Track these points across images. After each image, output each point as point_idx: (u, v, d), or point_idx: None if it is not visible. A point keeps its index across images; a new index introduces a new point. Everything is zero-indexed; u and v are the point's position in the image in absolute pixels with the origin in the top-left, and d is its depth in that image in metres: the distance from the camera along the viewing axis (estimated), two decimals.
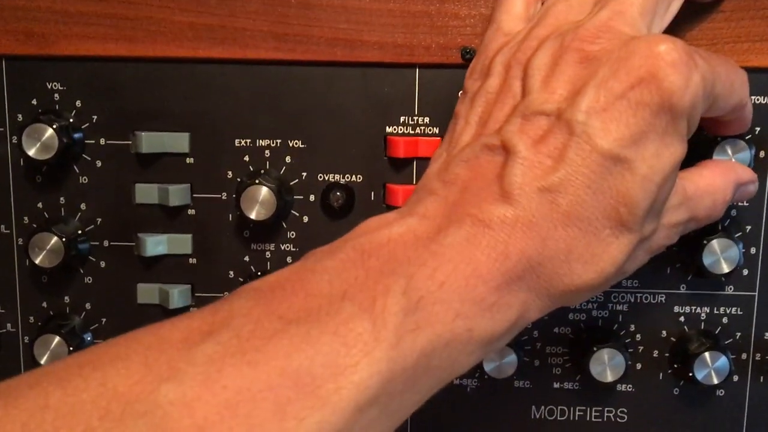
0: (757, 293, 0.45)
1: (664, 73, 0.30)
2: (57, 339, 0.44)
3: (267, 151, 0.44)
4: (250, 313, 0.28)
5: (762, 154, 0.43)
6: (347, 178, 0.44)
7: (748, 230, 0.44)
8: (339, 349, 0.27)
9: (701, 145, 0.41)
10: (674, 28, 0.40)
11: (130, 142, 0.44)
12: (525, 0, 0.38)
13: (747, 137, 0.42)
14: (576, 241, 0.31)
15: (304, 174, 0.44)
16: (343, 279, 0.30)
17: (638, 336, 0.45)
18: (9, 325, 0.46)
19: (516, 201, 0.31)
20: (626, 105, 0.30)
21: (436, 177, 0.34)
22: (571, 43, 0.33)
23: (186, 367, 0.26)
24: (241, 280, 0.45)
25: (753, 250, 0.44)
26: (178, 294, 0.45)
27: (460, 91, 0.38)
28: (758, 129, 0.43)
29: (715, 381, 0.43)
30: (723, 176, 0.37)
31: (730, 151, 0.41)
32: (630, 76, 0.31)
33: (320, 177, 0.45)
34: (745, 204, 0.44)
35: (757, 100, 0.42)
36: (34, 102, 0.44)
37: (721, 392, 0.46)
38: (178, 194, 0.44)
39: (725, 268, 0.42)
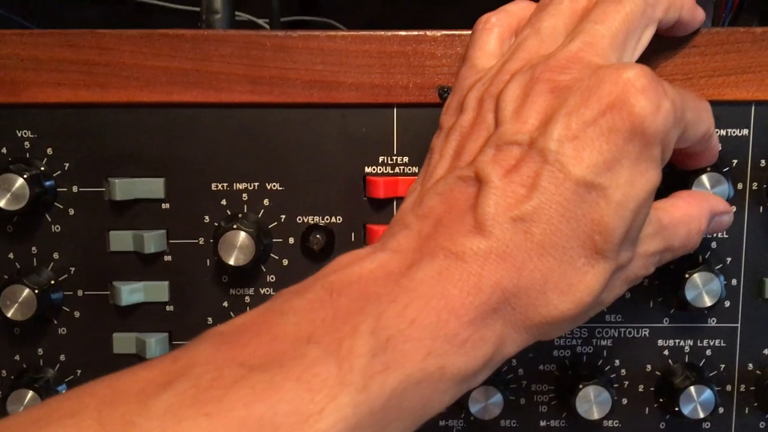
0: (739, 325, 0.45)
1: (634, 98, 0.30)
2: (31, 393, 0.42)
3: (244, 195, 0.44)
4: (211, 360, 0.27)
5: (740, 186, 0.43)
6: (327, 219, 0.44)
7: (728, 262, 0.44)
8: (303, 395, 0.26)
9: (678, 179, 0.42)
10: (648, 63, 0.40)
11: (103, 189, 0.43)
12: (498, 37, 0.38)
13: (724, 170, 0.42)
14: (551, 270, 0.31)
15: (283, 217, 0.44)
16: (310, 320, 0.29)
17: (623, 371, 0.45)
18: None
19: (489, 232, 0.30)
20: (598, 132, 0.30)
21: (410, 211, 0.34)
22: (542, 74, 0.33)
23: (141, 422, 0.25)
24: None
25: (734, 282, 0.44)
26: (155, 343, 0.44)
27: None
28: (735, 161, 0.43)
29: (702, 415, 0.43)
30: (697, 206, 0.37)
31: (708, 184, 0.41)
32: (600, 103, 0.31)
33: (299, 219, 0.44)
34: (725, 236, 0.44)
35: (733, 132, 0.43)
36: (4, 150, 0.43)
37: (708, 425, 0.46)
38: (153, 241, 0.43)
39: (708, 302, 0.42)
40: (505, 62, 0.36)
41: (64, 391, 0.28)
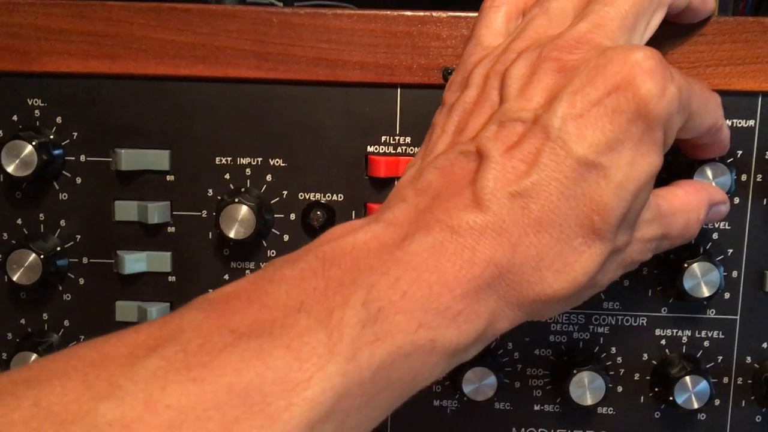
0: (738, 317, 0.44)
1: (641, 80, 0.30)
2: (34, 356, 0.43)
3: (248, 170, 0.44)
4: (200, 327, 0.27)
5: (744, 177, 0.43)
6: (328, 197, 0.44)
7: (729, 254, 0.44)
8: (291, 363, 0.26)
9: (681, 168, 0.41)
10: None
11: (110, 159, 0.44)
12: (505, 15, 0.38)
13: (728, 161, 0.42)
14: (547, 248, 0.31)
15: (285, 193, 0.44)
16: (301, 289, 0.29)
17: (619, 359, 0.45)
18: None
19: (486, 207, 0.30)
20: (602, 111, 0.30)
21: (409, 184, 0.34)
22: (549, 53, 0.33)
23: (127, 385, 0.25)
24: None
25: (734, 274, 0.44)
26: (156, 312, 0.44)
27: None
28: (740, 152, 0.43)
29: (696, 405, 0.43)
30: (696, 196, 0.37)
31: (710, 175, 0.41)
32: (606, 83, 0.31)
33: (301, 196, 0.44)
34: (726, 227, 0.43)
35: (738, 123, 0.42)
36: (15, 118, 0.44)
37: (703, 416, 0.45)
38: (157, 212, 0.44)
39: (706, 292, 0.42)
40: (512, 41, 0.36)
41: (51, 354, 0.28)
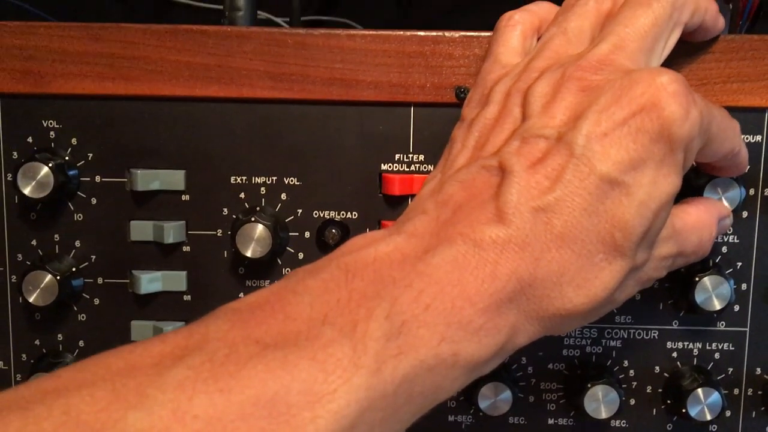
0: (748, 329, 0.45)
1: (665, 102, 0.31)
2: None
3: (263, 188, 0.45)
4: (225, 337, 0.28)
5: (751, 191, 0.44)
6: (343, 215, 0.45)
7: (738, 267, 0.44)
8: (317, 375, 0.26)
9: (691, 181, 0.42)
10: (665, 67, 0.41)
11: (125, 180, 0.44)
12: (522, 33, 0.39)
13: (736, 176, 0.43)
14: (569, 263, 0.31)
15: (300, 211, 0.45)
16: (324, 301, 0.29)
17: (632, 372, 0.46)
18: (1, 362, 0.46)
19: (509, 221, 0.31)
20: (627, 131, 0.31)
21: (429, 197, 0.34)
22: (574, 73, 0.33)
23: (155, 394, 0.25)
24: None
25: (744, 287, 0.45)
26: None
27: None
28: (747, 167, 0.43)
29: (708, 417, 0.43)
30: (707, 213, 0.38)
31: (720, 191, 0.42)
32: (632, 104, 0.31)
33: (316, 214, 0.45)
34: (735, 241, 0.44)
35: (746, 138, 0.43)
36: (30, 140, 0.44)
37: (714, 427, 0.46)
38: (173, 231, 0.44)
39: (717, 305, 0.43)
40: (531, 59, 0.36)
41: (74, 363, 0.28)
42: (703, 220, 0.37)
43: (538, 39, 0.39)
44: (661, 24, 0.35)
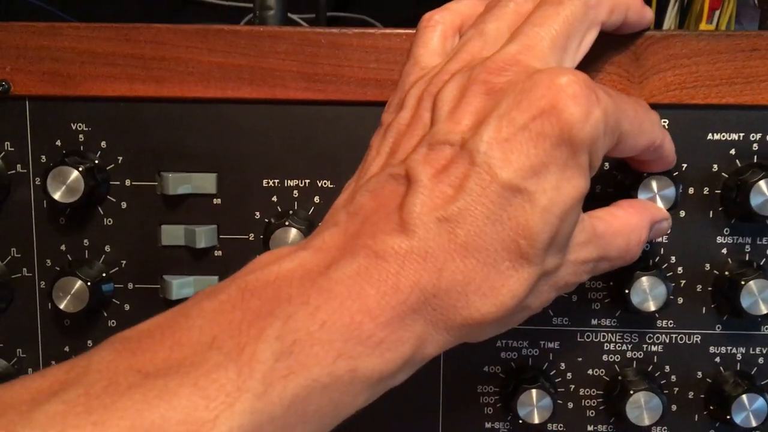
0: None
1: (564, 104, 0.30)
2: None
3: (295, 192, 0.44)
4: (107, 368, 0.27)
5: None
6: None
7: None
8: (198, 402, 0.26)
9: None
10: (706, 66, 0.40)
11: (156, 183, 0.44)
12: (441, 34, 0.38)
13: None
14: (474, 273, 0.30)
15: None
16: (216, 323, 0.28)
17: (673, 377, 0.45)
18: (30, 369, 0.45)
19: (412, 231, 0.30)
20: (527, 136, 0.30)
21: (342, 208, 0.33)
22: (478, 76, 0.32)
23: (24, 429, 0.25)
24: None
25: None
26: None
27: None
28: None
29: (754, 423, 0.42)
30: (638, 216, 0.37)
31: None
32: (532, 108, 0.30)
33: None
34: None
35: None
36: (58, 143, 0.43)
37: None
38: (205, 236, 0.43)
39: (764, 309, 0.41)
40: (447, 62, 0.35)
41: None
42: (632, 224, 0.36)
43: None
44: (575, 23, 0.34)
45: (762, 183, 0.40)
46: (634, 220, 0.36)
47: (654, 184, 0.40)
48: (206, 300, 0.30)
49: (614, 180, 0.43)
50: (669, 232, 0.41)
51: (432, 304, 0.30)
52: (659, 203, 0.40)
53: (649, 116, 0.36)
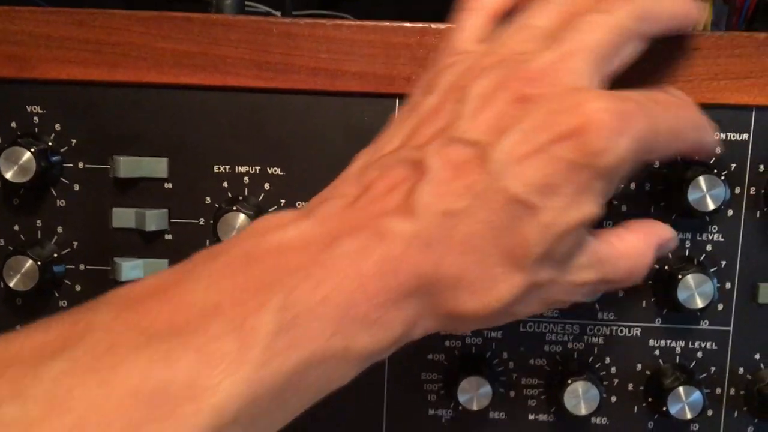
0: (731, 328, 0.45)
1: (589, 133, 0.30)
2: None
3: (246, 178, 0.44)
4: (110, 327, 0.27)
5: (737, 190, 0.43)
6: None
7: (723, 265, 0.44)
8: (201, 369, 0.26)
9: (674, 179, 0.42)
10: (649, 65, 0.40)
11: (108, 167, 0.44)
12: (485, 18, 0.37)
13: (723, 173, 0.43)
14: (468, 270, 0.31)
15: (283, 201, 0.45)
16: (220, 287, 0.29)
17: (613, 368, 0.46)
18: None
19: (418, 219, 0.30)
20: (546, 157, 0.30)
21: (352, 179, 0.34)
22: (510, 81, 0.32)
23: (31, 385, 0.25)
24: None
25: (728, 285, 0.44)
26: None
27: None
28: (733, 165, 0.43)
29: (689, 416, 0.43)
30: (645, 240, 0.36)
31: (704, 187, 0.41)
32: (556, 130, 0.30)
33: (299, 204, 0.45)
34: (720, 239, 0.44)
35: (733, 137, 0.43)
36: (14, 125, 0.44)
37: (696, 426, 0.46)
38: (155, 219, 0.44)
39: (700, 303, 0.42)
40: (482, 54, 0.35)
41: None
42: (639, 247, 0.36)
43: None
44: (622, 34, 0.33)
45: (701, 179, 0.41)
46: (642, 243, 0.36)
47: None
48: (210, 261, 0.30)
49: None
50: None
51: (428, 291, 0.31)
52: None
53: (690, 122, 0.35)
